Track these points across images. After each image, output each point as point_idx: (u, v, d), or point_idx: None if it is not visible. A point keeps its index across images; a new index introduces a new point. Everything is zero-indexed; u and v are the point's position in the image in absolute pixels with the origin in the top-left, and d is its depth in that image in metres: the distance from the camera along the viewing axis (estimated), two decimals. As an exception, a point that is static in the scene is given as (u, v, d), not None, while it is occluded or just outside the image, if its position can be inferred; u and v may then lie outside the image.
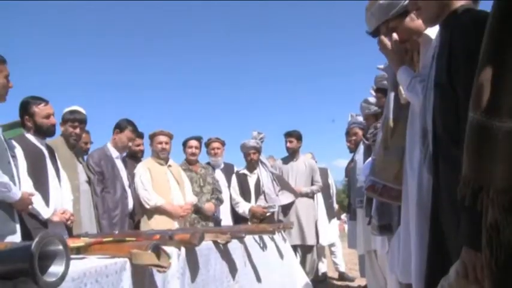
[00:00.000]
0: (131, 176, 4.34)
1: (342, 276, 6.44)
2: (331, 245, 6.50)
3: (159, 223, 4.15)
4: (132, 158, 4.72)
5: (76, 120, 3.75)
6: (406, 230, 1.97)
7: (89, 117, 3.92)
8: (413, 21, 2.01)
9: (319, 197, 6.28)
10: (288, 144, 5.84)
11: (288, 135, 5.86)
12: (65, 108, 3.85)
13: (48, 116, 3.32)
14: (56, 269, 0.98)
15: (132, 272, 1.49)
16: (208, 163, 5.41)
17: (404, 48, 2.20)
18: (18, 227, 2.76)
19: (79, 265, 1.28)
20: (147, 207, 4.28)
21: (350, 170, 5.27)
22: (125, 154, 4.49)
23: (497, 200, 0.97)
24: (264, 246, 3.34)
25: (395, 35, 2.08)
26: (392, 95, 2.28)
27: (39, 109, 3.29)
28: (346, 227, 8.13)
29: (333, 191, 6.78)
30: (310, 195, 5.81)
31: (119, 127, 4.24)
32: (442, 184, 1.44)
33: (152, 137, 4.61)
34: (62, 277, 0.98)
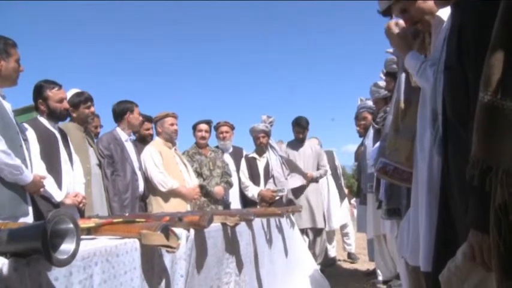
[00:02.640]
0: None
1: (349, 256, 6.51)
2: (344, 226, 6.53)
3: (173, 206, 4.18)
4: (142, 141, 4.75)
5: (87, 100, 3.79)
6: (416, 212, 1.97)
7: (97, 102, 3.97)
8: (426, 1, 1.99)
9: (329, 180, 6.39)
10: (300, 135, 5.86)
11: (297, 124, 5.85)
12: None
13: (61, 100, 3.36)
14: (67, 246, 0.99)
15: (142, 253, 1.51)
16: (217, 147, 5.42)
17: (416, 29, 2.18)
18: (30, 209, 2.80)
19: (89, 245, 1.31)
20: (163, 190, 4.27)
21: (360, 155, 5.28)
22: (133, 138, 4.52)
23: (506, 180, 0.97)
24: (271, 232, 3.36)
25: (401, 22, 2.06)
26: (403, 76, 2.27)
27: (53, 93, 3.33)
28: (355, 211, 8.17)
29: (340, 172, 6.84)
30: (317, 180, 5.87)
31: (129, 109, 4.27)
32: (452, 166, 1.43)
33: (162, 118, 4.56)
34: (73, 255, 1.00)
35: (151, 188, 4.31)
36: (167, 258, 1.70)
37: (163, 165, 4.34)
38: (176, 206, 4.16)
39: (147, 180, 4.30)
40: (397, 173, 2.31)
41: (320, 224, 5.61)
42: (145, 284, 1.54)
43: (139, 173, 4.17)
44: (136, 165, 4.17)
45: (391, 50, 3.02)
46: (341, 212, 6.44)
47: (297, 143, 5.90)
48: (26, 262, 0.98)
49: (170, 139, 4.54)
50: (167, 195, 4.31)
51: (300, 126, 5.84)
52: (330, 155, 6.55)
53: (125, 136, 4.21)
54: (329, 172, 6.34)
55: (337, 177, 6.58)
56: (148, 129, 4.86)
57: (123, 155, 4.07)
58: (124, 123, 4.23)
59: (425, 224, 1.80)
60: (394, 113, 2.31)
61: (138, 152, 4.35)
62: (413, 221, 1.99)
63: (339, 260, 6.57)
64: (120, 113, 4.25)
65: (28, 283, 0.97)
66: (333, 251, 6.40)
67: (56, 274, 1.06)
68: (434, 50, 1.90)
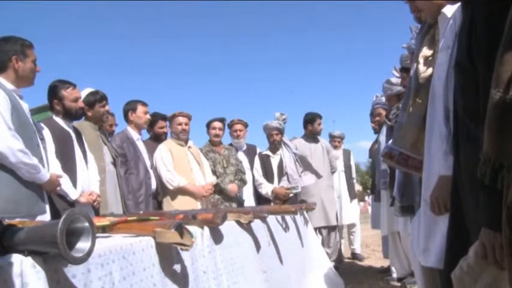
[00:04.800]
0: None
1: (354, 256, 6.50)
2: (351, 226, 6.53)
3: (182, 204, 4.20)
4: (156, 140, 4.78)
5: (102, 99, 3.84)
6: (426, 209, 1.95)
7: (112, 101, 4.02)
8: None
9: (341, 177, 6.44)
10: (322, 126, 5.82)
11: (320, 117, 5.82)
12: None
13: (76, 100, 3.40)
14: (82, 245, 1.02)
15: (160, 250, 1.54)
16: (231, 144, 5.42)
17: (428, 26, 2.17)
18: (47, 207, 2.84)
19: (104, 243, 1.33)
20: (170, 188, 4.32)
21: (374, 151, 5.26)
22: (142, 137, 4.54)
23: None
24: (286, 228, 3.37)
25: None
26: (414, 68, 2.27)
27: (68, 93, 3.36)
28: (369, 208, 8.16)
29: (354, 171, 6.89)
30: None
31: (131, 108, 4.34)
32: (463, 163, 1.42)
33: (171, 118, 4.63)
34: (89, 253, 1.02)
35: (162, 187, 4.36)
36: (187, 255, 1.72)
37: (174, 163, 4.38)
38: (185, 203, 4.19)
39: (159, 179, 4.35)
40: (403, 158, 2.30)
41: (333, 222, 5.61)
42: (168, 281, 1.57)
43: (151, 171, 4.23)
44: (148, 163, 4.23)
45: (406, 45, 3.00)
46: (350, 211, 6.44)
47: (309, 140, 5.88)
48: (43, 260, 1.01)
49: (178, 138, 4.58)
50: (175, 193, 4.36)
51: (320, 117, 5.81)
52: (346, 154, 6.69)
53: (136, 135, 4.27)
54: (341, 169, 6.48)
55: (350, 176, 6.62)
56: (162, 128, 4.88)
57: (136, 154, 4.13)
58: (131, 123, 4.32)
59: (437, 222, 1.79)
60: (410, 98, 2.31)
61: (152, 150, 4.40)
62: (424, 218, 1.98)
63: (346, 258, 6.56)
64: (125, 113, 4.35)
65: (46, 280, 1.00)
66: (342, 248, 6.42)
67: (73, 271, 1.09)
68: (440, 49, 1.88)
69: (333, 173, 5.97)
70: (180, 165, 4.42)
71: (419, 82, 2.16)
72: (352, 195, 6.53)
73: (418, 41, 2.28)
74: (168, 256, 1.60)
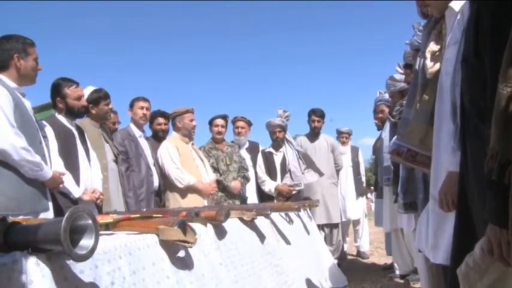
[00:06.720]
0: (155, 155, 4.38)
1: (358, 254, 6.49)
2: (356, 224, 6.52)
3: (189, 201, 4.18)
4: (154, 137, 4.75)
5: (107, 97, 3.84)
6: (435, 206, 1.94)
7: (114, 99, 4.01)
8: None
9: (348, 173, 6.47)
10: (317, 124, 5.81)
11: (315, 113, 5.82)
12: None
13: (79, 98, 3.39)
14: (86, 242, 1.02)
15: (165, 245, 1.54)
16: (233, 142, 5.41)
17: (434, 21, 2.16)
18: (50, 204, 2.85)
19: (108, 240, 1.33)
20: (180, 186, 4.28)
21: (377, 148, 5.24)
22: (145, 134, 4.51)
23: None
24: (290, 222, 3.37)
25: None
26: (420, 64, 2.24)
27: (71, 91, 3.36)
28: (372, 205, 8.13)
29: (362, 168, 6.91)
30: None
31: (130, 105, 4.38)
32: (470, 159, 1.41)
33: (182, 114, 4.55)
34: (92, 250, 1.02)
35: (168, 183, 4.33)
36: (196, 249, 1.73)
37: (180, 160, 4.35)
38: (193, 201, 4.16)
39: (164, 176, 4.32)
40: (411, 155, 2.28)
41: (336, 219, 5.61)
42: (183, 274, 1.58)
43: (153, 169, 4.20)
44: (150, 160, 4.21)
45: (409, 41, 2.99)
46: (355, 207, 6.43)
47: (313, 136, 5.88)
48: (47, 257, 1.01)
49: (189, 135, 4.55)
50: (184, 191, 4.31)
51: (316, 114, 5.81)
52: (354, 151, 6.72)
53: (138, 132, 4.26)
54: (349, 164, 6.51)
55: (358, 172, 6.63)
56: (160, 125, 4.84)
57: (138, 151, 4.11)
58: (132, 119, 4.34)
59: (445, 218, 1.78)
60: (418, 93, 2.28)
61: (153, 147, 4.38)
62: (432, 215, 1.96)
63: (351, 255, 6.55)
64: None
65: (51, 277, 0.99)
66: (344, 246, 6.40)
67: (81, 267, 1.09)
68: (449, 43, 1.87)
69: (338, 170, 5.97)
70: (186, 162, 4.38)
71: (427, 77, 2.14)
72: (359, 191, 6.52)
73: (425, 36, 2.25)
74: (175, 250, 1.61)
